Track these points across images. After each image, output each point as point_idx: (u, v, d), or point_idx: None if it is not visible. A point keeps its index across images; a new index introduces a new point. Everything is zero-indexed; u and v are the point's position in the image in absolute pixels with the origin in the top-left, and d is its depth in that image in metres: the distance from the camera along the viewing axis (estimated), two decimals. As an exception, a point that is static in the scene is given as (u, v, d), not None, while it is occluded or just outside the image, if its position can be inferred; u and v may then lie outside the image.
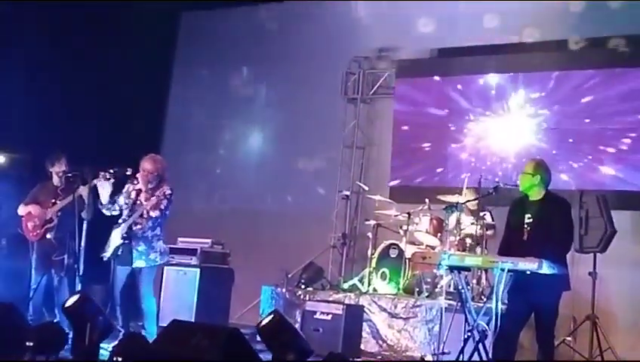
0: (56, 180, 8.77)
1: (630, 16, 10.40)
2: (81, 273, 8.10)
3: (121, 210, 8.10)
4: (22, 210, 8.81)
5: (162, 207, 7.90)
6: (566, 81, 10.96)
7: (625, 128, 10.50)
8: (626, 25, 10.43)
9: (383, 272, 10.19)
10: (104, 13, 11.75)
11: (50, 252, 8.56)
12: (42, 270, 8.59)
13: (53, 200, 8.66)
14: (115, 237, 7.93)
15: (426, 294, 9.64)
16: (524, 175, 7.07)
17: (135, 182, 8.05)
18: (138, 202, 7.98)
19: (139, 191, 8.04)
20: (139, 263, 7.89)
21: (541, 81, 11.14)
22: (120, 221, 8.03)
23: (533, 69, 11.22)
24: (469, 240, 9.85)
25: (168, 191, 7.94)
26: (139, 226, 7.90)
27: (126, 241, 7.86)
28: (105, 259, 7.97)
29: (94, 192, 8.27)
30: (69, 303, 6.64)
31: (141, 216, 7.89)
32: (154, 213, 7.86)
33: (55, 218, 8.63)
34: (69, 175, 8.46)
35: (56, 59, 11.31)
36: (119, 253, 7.89)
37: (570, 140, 10.84)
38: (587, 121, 10.75)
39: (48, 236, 8.63)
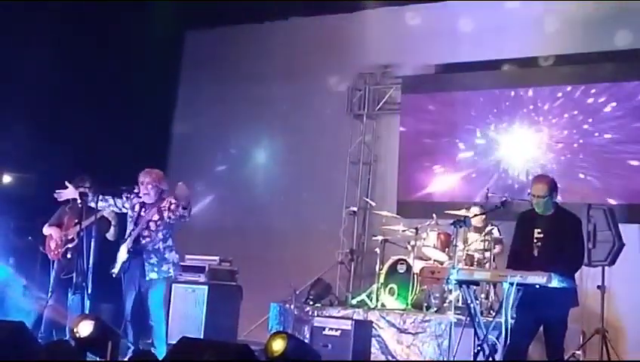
0: (78, 201, 8.83)
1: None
2: (89, 291, 8.13)
3: (120, 209, 8.26)
4: (45, 231, 8.94)
5: (170, 213, 7.95)
6: (572, 94, 10.98)
7: (633, 141, 10.49)
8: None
9: (392, 287, 10.18)
10: (109, 35, 11.82)
11: (67, 271, 8.64)
12: (55, 289, 8.67)
13: (77, 221, 8.73)
14: (123, 253, 7.97)
15: (435, 309, 9.63)
16: (539, 199, 6.91)
17: (140, 196, 8.11)
18: (143, 215, 8.03)
19: (142, 205, 8.09)
20: (152, 275, 7.91)
21: (547, 96, 11.15)
22: (126, 236, 8.09)
23: (539, 84, 11.24)
24: (477, 255, 9.85)
25: (173, 201, 7.99)
26: (148, 239, 7.93)
27: (132, 255, 7.89)
28: (114, 275, 8.00)
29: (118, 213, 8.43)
30: (84, 332, 6.61)
31: (148, 228, 7.94)
32: (174, 214, 7.92)
33: (77, 238, 8.69)
34: (87, 193, 8.46)
35: (61, 80, 11.35)
36: (127, 267, 7.92)
37: (577, 154, 10.85)
38: (594, 134, 10.76)
39: (69, 256, 8.72)
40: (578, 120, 10.90)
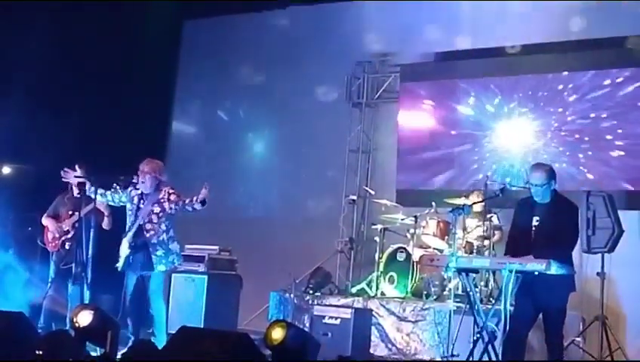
0: (76, 191, 8.84)
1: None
2: (89, 281, 8.14)
3: (117, 204, 8.27)
4: (44, 221, 8.96)
5: (172, 204, 7.94)
6: (571, 81, 10.95)
7: (632, 127, 10.48)
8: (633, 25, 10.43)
9: (391, 276, 10.19)
10: (108, 26, 11.79)
11: (66, 261, 8.66)
12: (57, 279, 8.68)
13: (71, 212, 8.74)
14: (125, 247, 7.97)
15: (435, 297, 9.64)
16: (537, 187, 6.90)
17: (137, 187, 8.11)
18: (142, 207, 8.02)
19: (141, 196, 8.08)
20: (160, 268, 7.95)
21: (546, 83, 11.13)
22: (127, 230, 8.08)
23: (538, 71, 11.22)
24: (476, 243, 9.86)
25: (171, 191, 8.02)
26: (152, 232, 7.94)
27: (135, 248, 7.89)
28: (118, 269, 8.01)
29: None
30: (83, 322, 6.61)
31: (151, 221, 7.94)
32: (176, 204, 7.95)
33: (72, 229, 8.71)
34: (83, 182, 8.46)
35: (59, 70, 11.35)
36: (130, 261, 7.93)
37: (576, 141, 10.84)
38: (593, 121, 10.74)
39: (66, 246, 8.73)
40: (578, 106, 10.86)
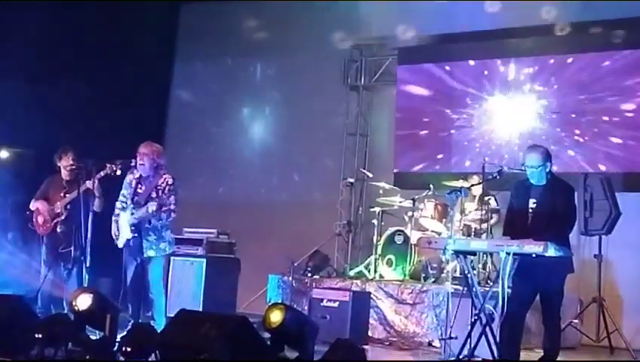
0: (64, 174, 8.83)
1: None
2: (87, 265, 8.14)
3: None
4: (32, 205, 8.91)
5: (165, 195, 7.94)
6: (568, 63, 10.96)
7: (629, 110, 10.48)
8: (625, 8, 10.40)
9: (389, 259, 10.21)
10: (105, 9, 11.75)
11: (59, 245, 8.62)
12: (51, 263, 8.66)
13: (62, 194, 8.73)
14: (124, 225, 7.96)
15: (433, 279, 9.67)
16: (532, 170, 6.90)
17: (135, 171, 8.10)
18: (139, 190, 8.02)
19: (138, 181, 8.08)
20: (150, 253, 7.94)
21: (542, 64, 11.13)
22: (125, 206, 8.07)
23: (534, 53, 11.21)
24: (474, 225, 9.87)
25: (170, 181, 7.98)
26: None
27: (135, 235, 7.90)
28: (119, 246, 8.02)
29: (103, 185, 8.38)
30: (82, 306, 6.62)
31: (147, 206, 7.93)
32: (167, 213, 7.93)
33: (64, 211, 8.70)
34: (74, 168, 8.50)
35: (57, 54, 11.32)
36: (131, 244, 7.94)
37: (572, 123, 10.84)
38: (590, 103, 10.74)
39: (58, 229, 8.70)
40: (575, 88, 10.87)
